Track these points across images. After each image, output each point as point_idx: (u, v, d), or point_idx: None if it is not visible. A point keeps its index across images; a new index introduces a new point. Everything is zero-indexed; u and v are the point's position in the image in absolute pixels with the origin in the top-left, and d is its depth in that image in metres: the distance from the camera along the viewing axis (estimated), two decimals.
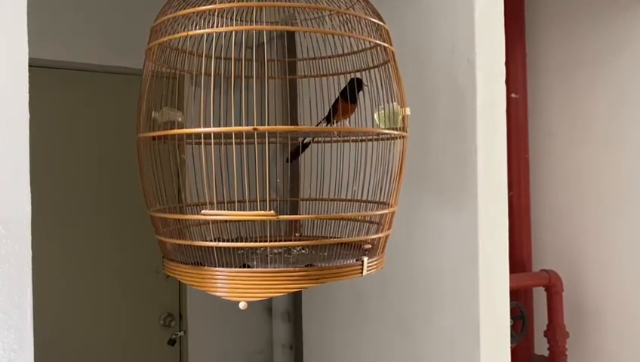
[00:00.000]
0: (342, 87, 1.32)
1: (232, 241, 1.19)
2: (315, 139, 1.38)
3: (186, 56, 1.19)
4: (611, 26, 2.36)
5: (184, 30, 1.08)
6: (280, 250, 1.20)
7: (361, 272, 1.08)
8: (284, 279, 1.01)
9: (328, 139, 1.36)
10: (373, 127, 1.19)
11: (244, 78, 1.08)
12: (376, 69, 1.25)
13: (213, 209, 1.02)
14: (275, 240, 1.18)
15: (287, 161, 1.45)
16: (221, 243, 1.04)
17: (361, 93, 1.29)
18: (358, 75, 1.30)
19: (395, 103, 1.17)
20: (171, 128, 1.10)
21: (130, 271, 2.44)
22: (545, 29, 2.58)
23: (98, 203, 2.38)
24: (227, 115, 1.02)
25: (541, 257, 2.56)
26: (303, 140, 1.38)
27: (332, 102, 1.35)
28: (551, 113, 2.57)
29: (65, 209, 2.32)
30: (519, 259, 2.48)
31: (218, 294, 1.02)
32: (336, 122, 1.32)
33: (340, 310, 2.12)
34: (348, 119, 1.32)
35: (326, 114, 1.36)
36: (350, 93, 1.26)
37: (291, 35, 2.03)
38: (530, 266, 2.54)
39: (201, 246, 1.05)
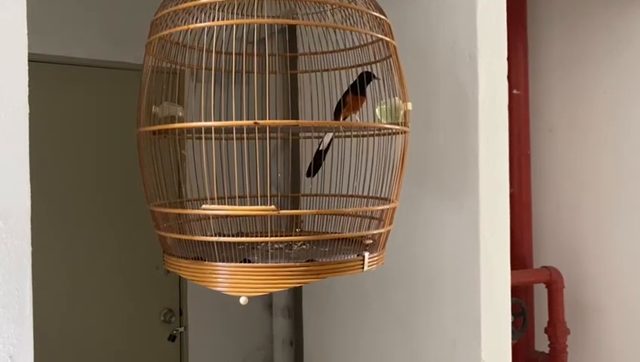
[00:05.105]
0: (343, 82, 1.32)
1: (233, 236, 1.19)
2: (316, 135, 1.38)
3: (186, 50, 1.18)
4: (613, 24, 2.35)
5: (185, 24, 1.07)
6: (281, 245, 1.20)
7: (362, 268, 1.08)
8: (285, 274, 1.00)
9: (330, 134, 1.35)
10: (374, 121, 1.18)
11: (245, 72, 1.08)
12: (378, 64, 1.25)
13: (214, 204, 1.01)
14: (276, 236, 1.18)
15: (308, 175, 1.36)
16: (222, 238, 1.04)
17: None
18: (364, 69, 1.29)
19: (396, 98, 1.17)
20: (172, 123, 1.10)
21: (130, 266, 2.44)
22: (546, 26, 2.58)
23: (98, 198, 2.38)
24: (228, 110, 1.02)
25: (542, 254, 2.56)
26: (319, 148, 1.33)
27: (334, 97, 1.34)
28: (552, 110, 2.57)
29: (65, 204, 2.31)
30: (520, 255, 2.47)
31: (219, 289, 1.02)
32: (345, 118, 1.31)
33: (340, 306, 2.12)
34: (350, 115, 1.31)
35: (328, 109, 1.35)
36: (360, 87, 1.25)
37: (292, 29, 2.03)
38: (531, 263, 2.54)
39: (201, 241, 1.05)
